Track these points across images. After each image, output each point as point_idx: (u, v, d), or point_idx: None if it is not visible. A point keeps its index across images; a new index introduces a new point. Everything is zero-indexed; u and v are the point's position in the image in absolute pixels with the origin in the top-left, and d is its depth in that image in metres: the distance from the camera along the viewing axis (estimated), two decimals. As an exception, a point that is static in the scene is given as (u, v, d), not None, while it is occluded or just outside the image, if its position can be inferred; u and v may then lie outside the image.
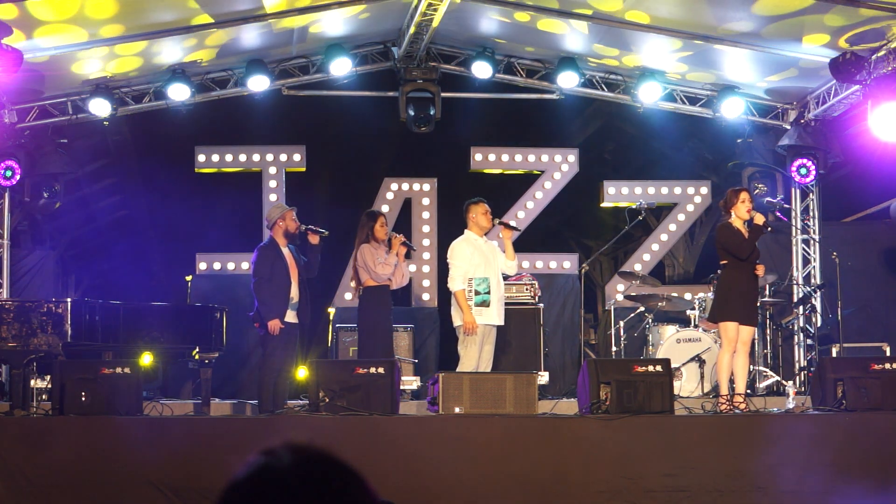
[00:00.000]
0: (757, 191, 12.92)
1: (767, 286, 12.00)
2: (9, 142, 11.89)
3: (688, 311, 11.98)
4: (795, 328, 12.95)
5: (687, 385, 11.43)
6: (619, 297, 12.93)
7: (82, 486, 8.08)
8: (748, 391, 10.20)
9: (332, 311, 12.75)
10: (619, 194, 13.77)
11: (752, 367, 11.17)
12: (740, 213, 9.74)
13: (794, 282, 13.12)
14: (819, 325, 12.77)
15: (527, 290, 12.09)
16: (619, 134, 16.34)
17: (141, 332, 10.36)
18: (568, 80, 12.59)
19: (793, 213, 13.28)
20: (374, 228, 10.51)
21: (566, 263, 13.60)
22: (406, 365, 11.75)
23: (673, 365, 9.57)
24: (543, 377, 11.51)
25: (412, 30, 11.67)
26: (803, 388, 12.02)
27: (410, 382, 11.62)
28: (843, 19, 10.20)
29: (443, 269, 12.01)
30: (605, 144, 16.58)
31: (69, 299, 9.95)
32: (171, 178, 14.56)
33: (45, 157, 12.33)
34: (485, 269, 10.13)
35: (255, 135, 13.75)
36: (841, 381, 9.13)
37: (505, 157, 13.74)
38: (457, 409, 8.82)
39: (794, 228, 13.24)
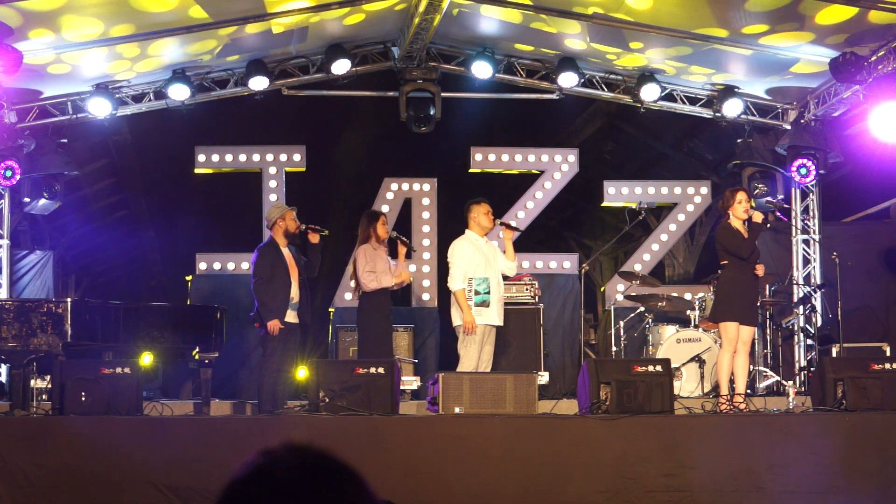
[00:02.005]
0: (757, 191, 12.91)
1: (767, 286, 12.00)
2: (9, 142, 11.89)
3: (688, 311, 11.97)
4: (795, 328, 12.95)
5: (687, 385, 11.43)
6: (619, 297, 12.92)
7: (82, 486, 8.07)
8: (748, 391, 10.19)
9: (332, 310, 12.78)
10: (619, 194, 13.76)
11: (752, 367, 11.17)
12: (737, 214, 9.74)
13: (794, 282, 13.12)
14: (819, 325, 12.77)
15: (527, 290, 12.08)
16: (619, 134, 16.35)
17: (141, 332, 10.36)
18: (568, 80, 12.59)
19: (793, 213, 13.27)
20: (375, 228, 10.51)
21: (566, 263, 13.59)
22: (406, 365, 11.75)
23: (673, 365, 9.56)
24: (543, 377, 11.51)
25: (413, 26, 11.66)
26: (803, 388, 12.02)
27: (410, 382, 11.63)
28: (843, 19, 10.20)
29: (443, 269, 12.01)
30: (605, 144, 16.59)
31: (69, 299, 9.95)
32: (171, 177, 14.57)
33: (45, 157, 12.32)
34: (485, 270, 10.11)
35: (255, 135, 13.74)
36: (841, 381, 9.12)
37: (505, 157, 13.72)
38: (457, 409, 8.82)
39: (794, 228, 13.24)
